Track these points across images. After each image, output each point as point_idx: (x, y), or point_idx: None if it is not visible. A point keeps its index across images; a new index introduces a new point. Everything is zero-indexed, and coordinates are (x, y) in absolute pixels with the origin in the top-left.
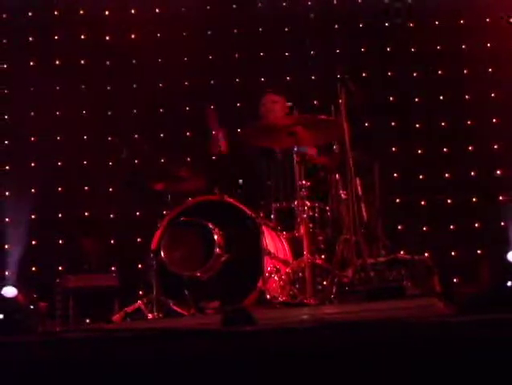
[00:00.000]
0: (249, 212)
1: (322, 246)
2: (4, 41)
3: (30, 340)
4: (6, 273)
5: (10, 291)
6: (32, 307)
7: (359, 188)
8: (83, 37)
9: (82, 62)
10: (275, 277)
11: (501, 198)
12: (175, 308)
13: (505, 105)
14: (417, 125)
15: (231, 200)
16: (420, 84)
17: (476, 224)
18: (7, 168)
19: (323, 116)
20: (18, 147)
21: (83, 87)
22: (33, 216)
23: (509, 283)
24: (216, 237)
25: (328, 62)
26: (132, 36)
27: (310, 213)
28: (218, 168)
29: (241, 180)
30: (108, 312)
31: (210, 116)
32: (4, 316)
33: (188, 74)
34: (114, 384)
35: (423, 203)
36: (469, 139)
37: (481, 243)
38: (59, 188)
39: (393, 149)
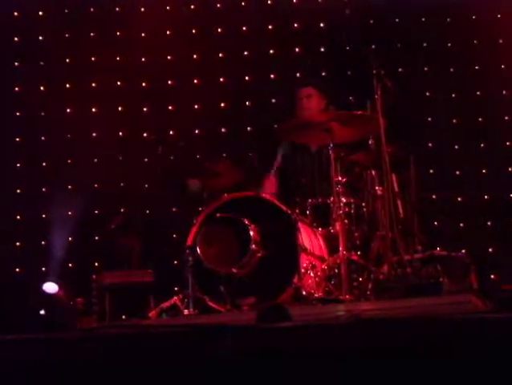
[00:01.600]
0: (284, 208)
1: (357, 242)
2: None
3: (71, 336)
4: (43, 269)
5: (51, 287)
6: (71, 303)
7: (395, 184)
8: (118, 33)
9: (117, 58)
10: (311, 274)
11: None
12: (211, 304)
13: None
14: (454, 120)
15: (267, 196)
16: (455, 79)
17: None
18: (44, 164)
19: (358, 112)
20: (54, 144)
21: (118, 83)
22: (69, 213)
23: None
24: (252, 233)
25: (364, 57)
26: (167, 32)
27: (346, 210)
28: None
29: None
30: (144, 308)
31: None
32: (45, 312)
33: (224, 70)
34: (150, 380)
35: (459, 199)
36: (507, 134)
37: None
38: (95, 185)
39: (430, 145)
